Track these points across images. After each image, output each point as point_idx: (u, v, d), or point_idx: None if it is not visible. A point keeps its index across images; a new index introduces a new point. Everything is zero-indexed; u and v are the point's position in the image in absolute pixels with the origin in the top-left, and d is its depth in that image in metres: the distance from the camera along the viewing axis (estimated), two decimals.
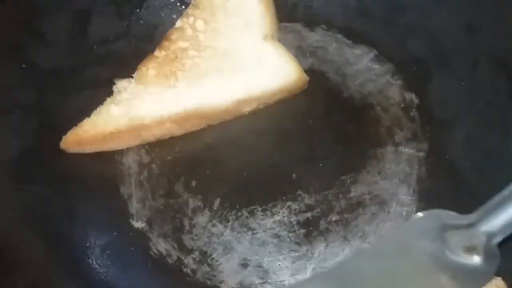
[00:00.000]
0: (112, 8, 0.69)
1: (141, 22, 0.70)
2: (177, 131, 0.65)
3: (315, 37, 0.71)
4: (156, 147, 0.65)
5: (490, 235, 0.52)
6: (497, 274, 0.54)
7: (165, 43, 0.66)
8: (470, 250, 0.53)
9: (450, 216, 0.54)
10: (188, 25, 0.67)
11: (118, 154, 0.65)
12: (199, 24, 0.66)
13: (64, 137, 0.62)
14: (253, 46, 0.66)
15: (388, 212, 0.62)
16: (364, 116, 0.66)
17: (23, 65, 0.64)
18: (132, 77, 0.65)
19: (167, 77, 0.64)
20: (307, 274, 0.60)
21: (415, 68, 0.67)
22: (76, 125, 0.63)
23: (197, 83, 0.64)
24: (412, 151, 0.64)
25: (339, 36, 0.70)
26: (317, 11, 0.72)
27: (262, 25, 0.66)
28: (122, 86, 0.64)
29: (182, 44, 0.66)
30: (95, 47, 0.68)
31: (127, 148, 0.66)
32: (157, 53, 0.66)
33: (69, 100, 0.65)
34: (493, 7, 0.64)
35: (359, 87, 0.68)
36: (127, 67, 0.68)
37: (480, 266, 0.53)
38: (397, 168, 0.64)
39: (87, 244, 0.60)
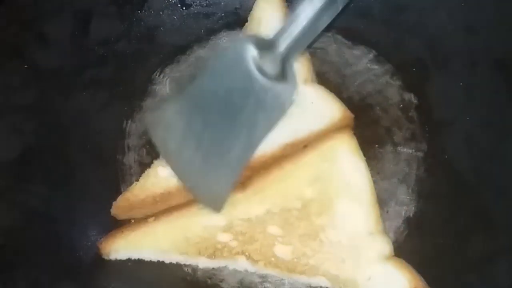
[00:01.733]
0: (113, 9, 0.69)
1: (142, 23, 0.71)
2: None
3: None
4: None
5: (288, 53, 0.54)
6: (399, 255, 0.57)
7: None
8: (276, 74, 0.55)
9: (257, 40, 0.55)
10: None
11: (119, 154, 0.66)
12: None
13: (114, 203, 0.61)
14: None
15: (387, 211, 0.62)
16: (363, 116, 0.66)
17: (24, 66, 0.64)
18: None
19: None
20: None
21: (414, 69, 0.68)
22: (77, 125, 0.63)
23: None
24: (411, 151, 0.65)
25: (339, 37, 0.70)
26: None
27: (302, 71, 0.65)
28: None
29: None
30: (96, 47, 0.68)
31: (128, 148, 0.66)
32: None
33: (70, 101, 0.66)
34: (491, 8, 0.64)
35: (359, 87, 0.68)
36: (128, 67, 0.69)
37: (285, 88, 0.55)
38: (396, 168, 0.64)
39: (87, 244, 0.60)
